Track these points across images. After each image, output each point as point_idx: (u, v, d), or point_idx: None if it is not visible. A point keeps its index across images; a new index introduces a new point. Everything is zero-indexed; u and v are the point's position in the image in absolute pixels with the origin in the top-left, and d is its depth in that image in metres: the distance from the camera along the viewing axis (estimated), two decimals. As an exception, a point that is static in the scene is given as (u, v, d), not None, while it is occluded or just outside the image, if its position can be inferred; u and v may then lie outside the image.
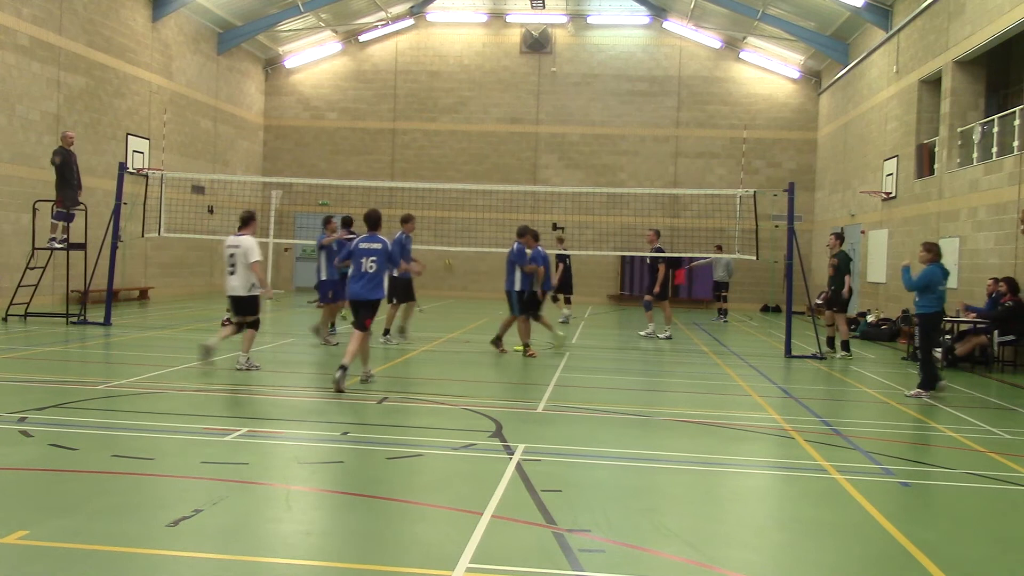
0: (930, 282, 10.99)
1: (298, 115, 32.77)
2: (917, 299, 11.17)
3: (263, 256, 11.58)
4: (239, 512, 5.47)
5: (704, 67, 31.70)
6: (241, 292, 11.20)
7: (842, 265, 15.68)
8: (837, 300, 15.67)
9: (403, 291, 14.86)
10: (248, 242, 11.11)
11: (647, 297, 18.04)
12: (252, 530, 5.22)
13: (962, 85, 18.87)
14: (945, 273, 11.18)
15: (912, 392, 11.09)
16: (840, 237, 16.46)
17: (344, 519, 5.53)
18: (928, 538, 5.41)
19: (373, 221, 10.91)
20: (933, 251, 11.20)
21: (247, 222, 11.35)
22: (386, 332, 14.99)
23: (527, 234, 14.41)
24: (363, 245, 10.71)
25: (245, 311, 11.34)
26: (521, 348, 14.07)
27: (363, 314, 10.62)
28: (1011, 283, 14.87)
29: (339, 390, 9.84)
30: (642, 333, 18.14)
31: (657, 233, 17.93)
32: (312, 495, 6.03)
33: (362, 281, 10.58)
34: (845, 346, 15.62)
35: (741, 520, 5.88)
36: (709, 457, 7.48)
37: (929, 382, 11.00)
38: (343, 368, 9.96)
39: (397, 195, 27.33)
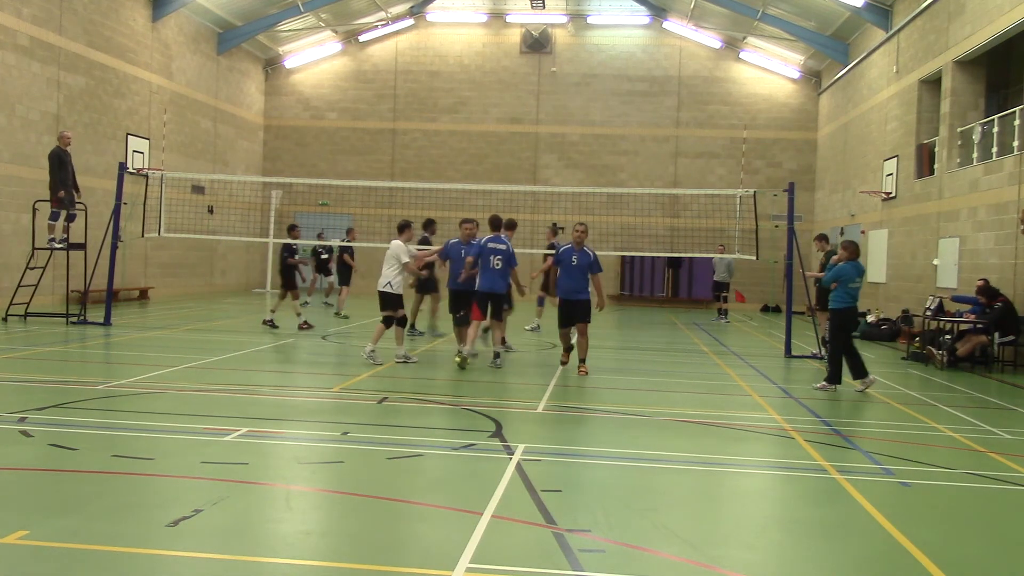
0: (839, 277, 11.45)
1: (298, 115, 32.77)
2: (831, 295, 11.69)
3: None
4: (239, 512, 5.47)
5: (704, 67, 31.70)
6: (380, 287, 12.49)
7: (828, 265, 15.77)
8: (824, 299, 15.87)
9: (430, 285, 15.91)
10: (396, 246, 12.49)
11: (540, 293, 17.81)
12: (252, 530, 5.22)
13: (962, 85, 18.86)
14: (859, 271, 11.62)
15: (819, 385, 11.56)
16: (824, 239, 16.51)
17: (344, 519, 5.53)
18: (928, 538, 5.41)
19: (497, 224, 12.81)
20: (849, 249, 11.65)
21: (401, 230, 12.76)
22: (412, 326, 16.00)
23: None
24: (491, 245, 12.43)
25: (382, 306, 12.53)
26: (460, 359, 12.12)
27: (494, 305, 12.42)
28: (987, 290, 14.93)
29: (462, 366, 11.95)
30: (527, 327, 17.91)
31: (554, 231, 18.05)
32: (312, 495, 6.03)
33: (491, 276, 12.29)
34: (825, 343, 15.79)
35: (741, 520, 5.88)
36: (709, 457, 7.48)
37: (835, 376, 11.45)
38: (473, 354, 12.21)
39: (397, 195, 27.32)
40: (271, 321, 17.18)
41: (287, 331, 16.70)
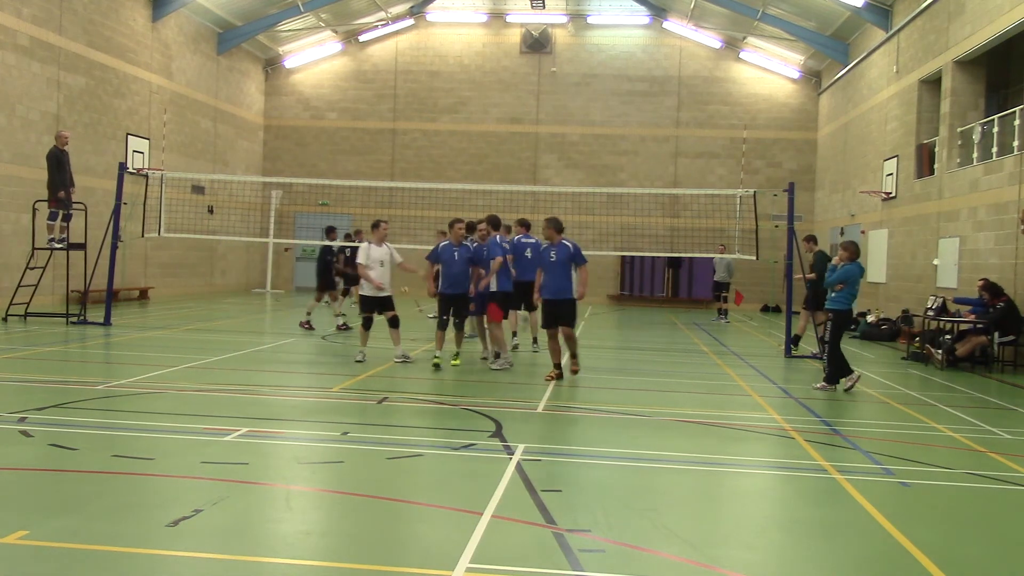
0: (847, 278, 11.48)
1: (298, 115, 32.77)
2: (832, 295, 11.68)
3: (366, 258, 12.51)
4: (239, 512, 5.47)
5: (704, 67, 31.69)
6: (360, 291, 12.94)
7: (817, 266, 15.63)
8: (815, 299, 15.77)
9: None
10: (359, 247, 12.68)
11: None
12: (252, 530, 5.22)
13: (962, 85, 18.86)
14: (862, 271, 11.76)
15: (818, 385, 11.54)
16: (813, 240, 16.51)
17: (344, 519, 5.53)
18: (928, 538, 5.41)
19: (496, 223, 13.04)
20: (850, 250, 11.64)
21: (372, 228, 12.69)
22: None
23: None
24: (503, 246, 12.80)
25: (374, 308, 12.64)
26: (457, 361, 12.44)
27: (513, 303, 13.03)
28: (991, 288, 14.92)
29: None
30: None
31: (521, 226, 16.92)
32: (312, 495, 6.03)
33: (508, 276, 12.66)
34: (795, 341, 15.84)
35: (741, 520, 5.88)
36: (709, 457, 7.48)
37: (834, 377, 11.44)
38: (497, 355, 12.22)
39: (397, 195, 27.34)
40: (344, 325, 16.99)
41: (288, 331, 16.70)
